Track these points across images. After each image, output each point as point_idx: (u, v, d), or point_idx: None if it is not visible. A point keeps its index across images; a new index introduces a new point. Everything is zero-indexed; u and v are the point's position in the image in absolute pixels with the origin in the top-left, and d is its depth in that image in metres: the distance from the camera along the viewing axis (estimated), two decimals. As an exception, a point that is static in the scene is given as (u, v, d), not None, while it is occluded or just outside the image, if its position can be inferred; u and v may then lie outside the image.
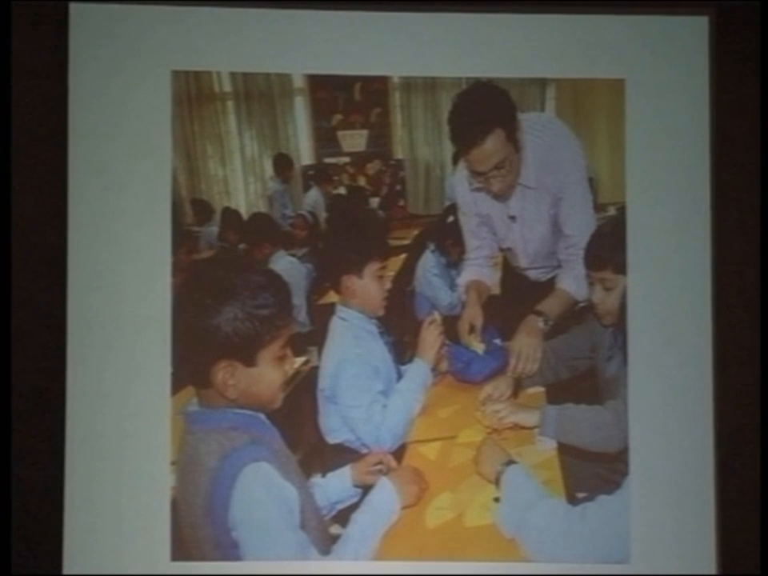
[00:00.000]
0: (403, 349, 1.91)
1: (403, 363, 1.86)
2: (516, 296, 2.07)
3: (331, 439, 1.77)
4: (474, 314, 1.94)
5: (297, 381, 1.76)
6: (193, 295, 1.27)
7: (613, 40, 1.51)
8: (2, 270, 1.42)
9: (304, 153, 2.37)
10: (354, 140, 2.33)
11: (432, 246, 2.17)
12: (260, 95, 2.25)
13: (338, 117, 2.28)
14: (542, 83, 2.06)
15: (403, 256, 2.20)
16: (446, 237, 2.13)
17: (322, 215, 2.30)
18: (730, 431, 1.45)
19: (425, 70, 1.58)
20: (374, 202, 2.38)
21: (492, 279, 2.09)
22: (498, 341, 1.90)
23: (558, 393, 1.79)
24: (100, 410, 1.41)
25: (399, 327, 1.95)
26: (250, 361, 1.28)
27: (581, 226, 1.83)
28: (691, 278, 1.48)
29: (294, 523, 1.27)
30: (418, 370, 1.79)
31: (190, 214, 2.21)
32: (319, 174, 2.34)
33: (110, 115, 1.45)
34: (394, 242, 2.07)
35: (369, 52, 1.50)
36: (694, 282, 1.48)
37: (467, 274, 2.06)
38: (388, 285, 1.83)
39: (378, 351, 1.83)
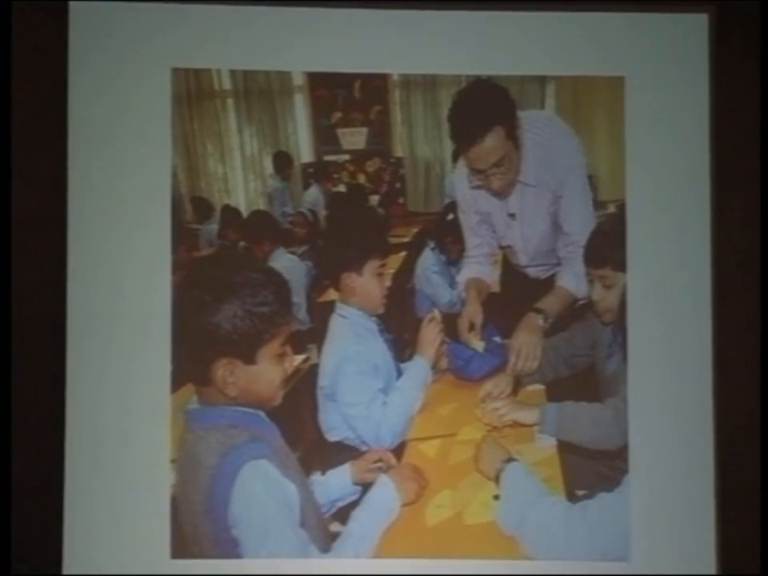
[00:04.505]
0: (403, 346, 1.91)
1: (403, 361, 1.86)
2: (516, 293, 2.07)
3: (331, 437, 1.77)
4: (473, 312, 1.94)
5: (296, 378, 1.76)
6: (192, 293, 1.28)
7: (612, 38, 1.51)
8: (2, 269, 1.42)
9: (304, 150, 2.37)
10: (354, 138, 2.33)
11: (432, 244, 2.17)
12: (260, 93, 2.25)
13: (338, 114, 2.28)
14: (542, 81, 2.05)
15: (403, 254, 2.20)
16: (446, 234, 2.13)
17: (322, 213, 2.30)
18: (730, 430, 1.45)
19: (424, 68, 1.58)
20: (374, 199, 2.38)
21: (492, 277, 2.09)
22: (497, 338, 1.90)
23: (558, 390, 1.79)
24: (100, 407, 1.42)
25: (399, 325, 1.95)
26: (249, 358, 1.28)
27: (580, 224, 1.83)
28: (691, 275, 1.48)
29: (293, 521, 1.28)
30: (418, 368, 1.80)
31: (190, 211, 2.21)
32: (319, 172, 2.34)
33: (110, 113, 1.45)
34: (393, 240, 2.07)
35: (368, 50, 1.50)
36: (694, 280, 1.48)
37: (467, 272, 2.06)
38: (388, 282, 1.83)
39: (378, 349, 1.83)
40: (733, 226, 1.49)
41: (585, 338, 1.84)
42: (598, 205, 1.92)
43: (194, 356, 1.30)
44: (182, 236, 1.58)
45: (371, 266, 1.79)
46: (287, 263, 2.10)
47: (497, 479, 1.46)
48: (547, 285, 1.96)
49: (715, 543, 1.42)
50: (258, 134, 2.31)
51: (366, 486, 1.51)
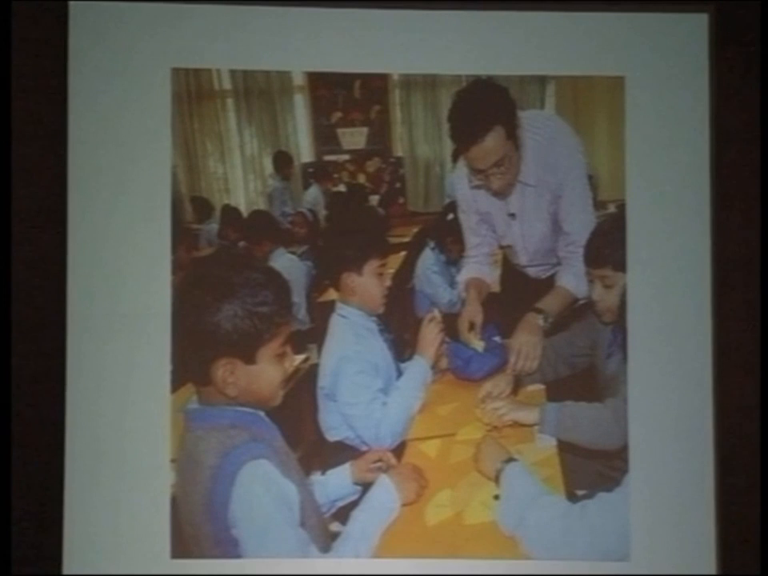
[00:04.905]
0: (403, 346, 1.91)
1: (403, 361, 1.86)
2: (516, 293, 2.07)
3: (331, 437, 1.77)
4: (473, 312, 1.94)
5: (297, 378, 1.76)
6: (192, 293, 1.28)
7: (612, 37, 1.51)
8: (2, 269, 1.42)
9: (304, 150, 2.36)
10: (354, 137, 2.33)
11: (432, 244, 2.17)
12: (260, 93, 2.25)
13: (338, 114, 2.27)
14: (542, 81, 2.05)
15: (403, 253, 2.20)
16: (446, 234, 2.13)
17: (322, 213, 2.30)
18: (730, 430, 1.45)
19: (425, 68, 1.58)
20: (374, 199, 2.37)
21: (492, 277, 2.09)
22: (497, 338, 1.90)
23: (558, 390, 1.79)
24: (100, 407, 1.42)
25: (399, 325, 1.95)
26: (249, 358, 1.28)
27: (580, 224, 1.83)
28: (691, 275, 1.48)
29: (293, 521, 1.28)
30: (418, 368, 1.79)
31: (190, 211, 2.20)
32: (319, 172, 2.33)
33: (110, 113, 1.45)
34: (393, 240, 2.07)
35: (369, 49, 1.50)
36: (694, 280, 1.48)
37: (467, 272, 2.06)
38: (388, 282, 1.83)
39: (378, 349, 1.83)
40: (733, 226, 1.49)
41: (585, 337, 1.84)
42: (598, 205, 1.91)
43: (194, 356, 1.30)
44: (182, 236, 1.58)
45: (371, 265, 1.79)
46: (287, 263, 2.10)
47: (497, 479, 1.46)
48: (547, 285, 1.96)
49: (715, 543, 1.42)
50: (258, 134, 2.30)
51: (366, 486, 1.51)
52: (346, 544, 1.38)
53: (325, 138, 2.34)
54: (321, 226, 2.26)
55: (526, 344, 1.81)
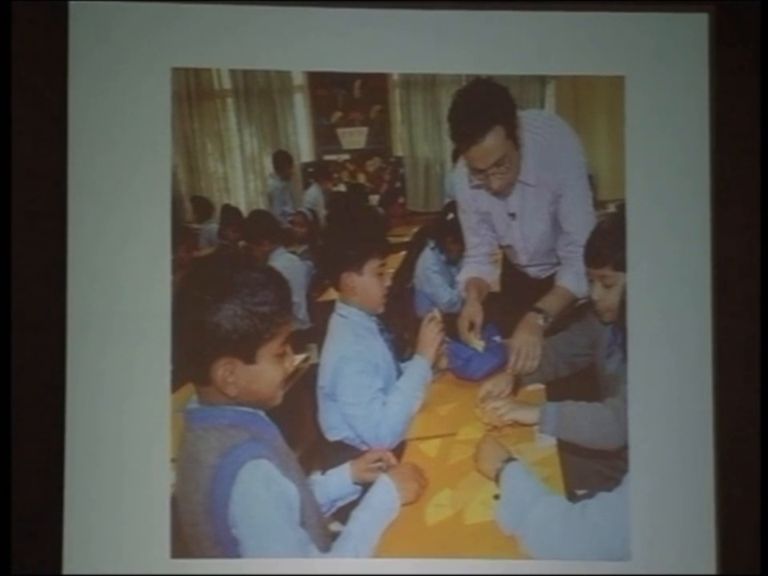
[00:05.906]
0: (403, 346, 1.91)
1: (403, 360, 1.86)
2: (516, 293, 2.07)
3: (331, 436, 1.77)
4: (473, 311, 1.93)
5: (297, 378, 1.76)
6: (193, 292, 1.28)
7: (613, 37, 1.51)
8: (2, 269, 1.42)
9: (304, 150, 2.36)
10: (354, 137, 2.33)
11: (432, 243, 2.17)
12: (260, 92, 2.25)
13: (338, 114, 2.27)
14: (542, 80, 2.05)
15: (403, 253, 2.20)
16: (446, 234, 2.13)
17: (322, 212, 2.30)
18: (730, 429, 1.45)
19: (424, 67, 1.58)
20: (374, 199, 2.37)
21: (492, 276, 2.09)
22: (497, 338, 1.90)
23: (558, 390, 1.79)
24: (100, 407, 1.42)
25: (399, 324, 1.95)
26: (249, 358, 1.28)
27: (580, 223, 1.83)
28: (691, 275, 1.48)
29: (293, 520, 1.28)
30: (418, 368, 1.79)
31: (190, 211, 2.20)
32: (319, 172, 2.33)
33: (110, 113, 1.46)
34: (393, 239, 2.07)
35: (369, 49, 1.50)
36: (694, 279, 1.48)
37: (467, 271, 2.06)
38: (388, 282, 1.83)
39: (378, 348, 1.83)
40: (733, 226, 1.49)
41: (585, 337, 1.84)
42: (598, 204, 1.91)
43: (194, 355, 1.30)
44: (182, 236, 1.58)
45: (371, 265, 1.79)
46: (287, 263, 2.10)
47: (497, 479, 1.46)
48: (547, 284, 1.96)
49: (715, 543, 1.42)
50: (257, 134, 2.30)
51: (366, 486, 1.51)
52: (346, 544, 1.38)
53: (325, 137, 2.34)
54: (321, 225, 2.26)
55: (526, 344, 1.81)
